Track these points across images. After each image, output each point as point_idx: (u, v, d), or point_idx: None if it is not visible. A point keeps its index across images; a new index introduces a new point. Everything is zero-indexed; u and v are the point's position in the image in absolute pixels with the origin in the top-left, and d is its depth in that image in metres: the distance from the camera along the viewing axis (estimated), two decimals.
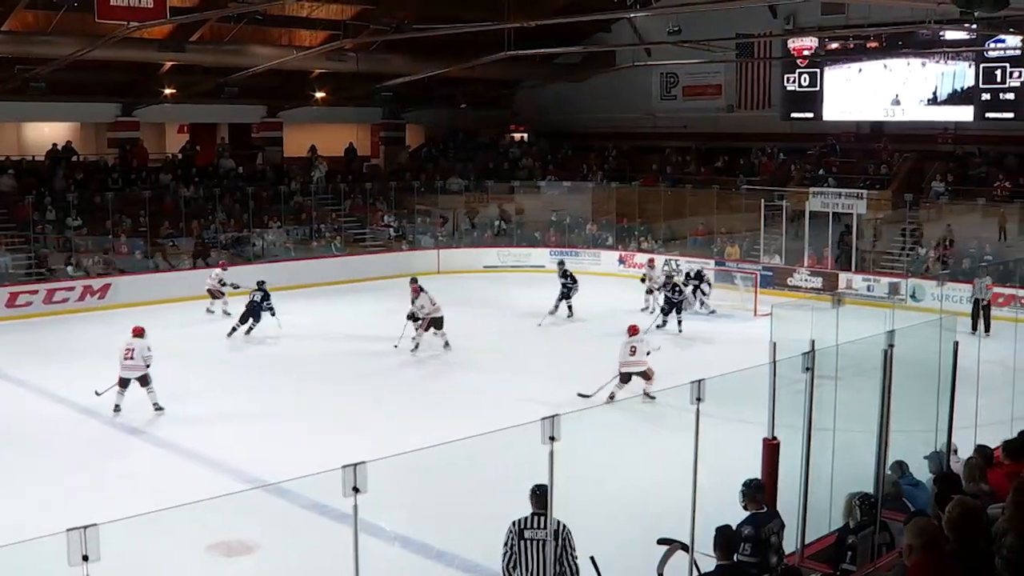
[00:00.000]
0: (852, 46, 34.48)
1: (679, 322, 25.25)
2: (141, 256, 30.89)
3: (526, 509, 8.33)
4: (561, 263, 28.75)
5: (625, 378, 18.48)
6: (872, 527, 9.08)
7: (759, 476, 9.66)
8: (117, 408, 17.80)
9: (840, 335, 10.19)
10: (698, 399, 7.68)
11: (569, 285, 27.11)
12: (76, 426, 17.50)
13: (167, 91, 34.17)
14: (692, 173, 38.63)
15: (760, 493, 8.94)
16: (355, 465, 5.95)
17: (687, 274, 28.27)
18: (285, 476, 9.70)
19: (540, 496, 8.11)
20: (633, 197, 37.33)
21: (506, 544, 8.54)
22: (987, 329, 23.78)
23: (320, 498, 11.54)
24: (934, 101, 33.76)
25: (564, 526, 8.30)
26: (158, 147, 39.40)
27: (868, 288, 28.96)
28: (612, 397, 18.30)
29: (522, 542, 8.44)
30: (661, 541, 9.04)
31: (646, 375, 18.45)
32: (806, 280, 30.46)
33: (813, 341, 9.32)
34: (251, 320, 24.55)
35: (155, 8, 23.47)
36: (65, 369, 21.33)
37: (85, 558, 5.07)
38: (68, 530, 5.07)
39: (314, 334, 25.24)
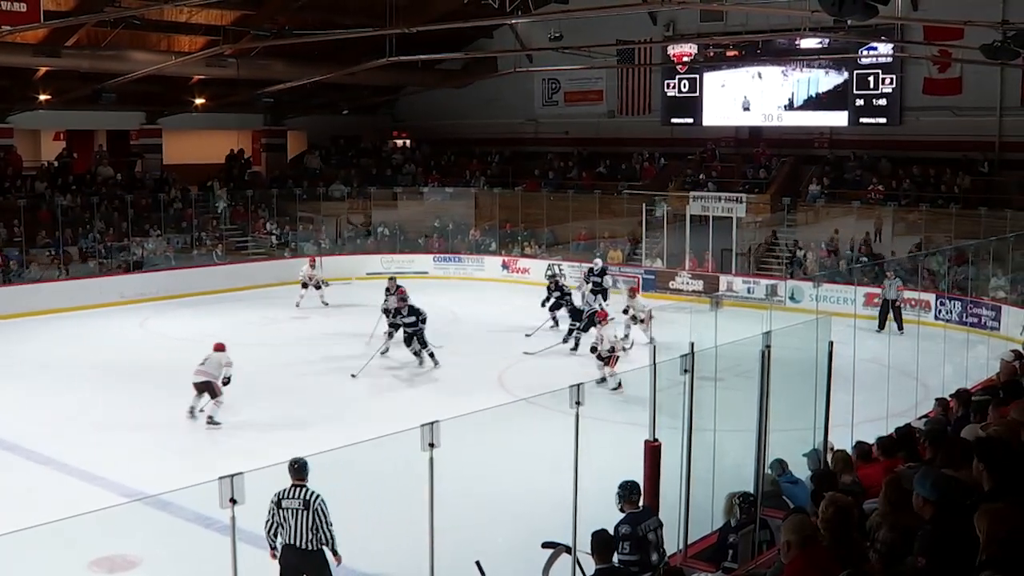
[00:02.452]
0: (712, 54, 34.93)
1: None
2: (16, 266, 29.99)
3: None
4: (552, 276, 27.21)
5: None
6: (752, 525, 9.23)
7: (642, 478, 9.76)
8: (191, 411, 17.77)
9: (719, 337, 10.34)
10: (577, 403, 7.74)
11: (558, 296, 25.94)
12: None
13: (42, 97, 33.31)
14: (574, 178, 38.77)
15: (635, 494, 9.11)
16: (231, 476, 5.86)
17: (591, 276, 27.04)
18: (166, 489, 9.56)
19: (298, 469, 9.45)
20: (516, 202, 37.44)
21: (269, 512, 9.43)
22: (900, 328, 24.41)
23: (203, 510, 11.36)
24: (796, 107, 34.63)
25: (317, 496, 9.37)
26: (33, 154, 38.38)
27: (748, 290, 29.42)
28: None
29: (280, 511, 9.41)
30: (546, 545, 9.09)
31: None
32: (687, 283, 30.83)
33: (692, 343, 9.44)
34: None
35: (28, 12, 22.81)
36: None
37: None
38: None
39: (194, 344, 24.79)
